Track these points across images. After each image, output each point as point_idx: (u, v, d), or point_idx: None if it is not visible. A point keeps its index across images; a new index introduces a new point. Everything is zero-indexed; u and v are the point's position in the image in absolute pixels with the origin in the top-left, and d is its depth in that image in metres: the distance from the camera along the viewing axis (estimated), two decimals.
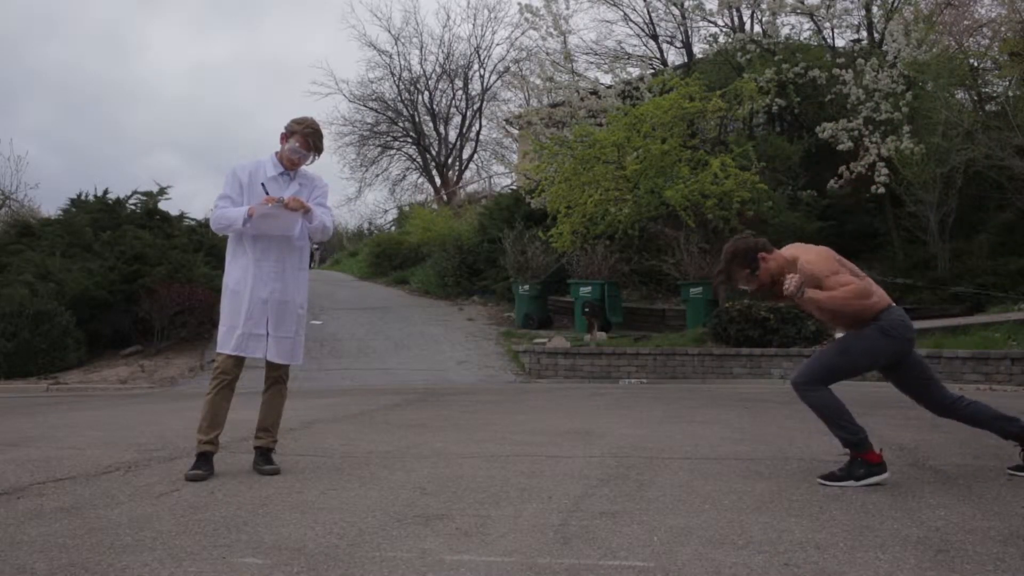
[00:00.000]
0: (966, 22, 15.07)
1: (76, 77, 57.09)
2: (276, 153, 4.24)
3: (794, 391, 3.78)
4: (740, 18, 17.57)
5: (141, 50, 59.05)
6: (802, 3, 15.19)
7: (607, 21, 31.27)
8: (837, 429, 3.73)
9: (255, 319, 4.10)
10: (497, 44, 49.91)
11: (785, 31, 16.60)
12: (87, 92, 56.10)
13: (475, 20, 54.42)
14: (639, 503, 3.36)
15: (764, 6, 15.25)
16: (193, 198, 63.46)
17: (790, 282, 3.60)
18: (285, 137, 4.18)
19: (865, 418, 6.21)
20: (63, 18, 57.00)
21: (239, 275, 4.15)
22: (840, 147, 13.94)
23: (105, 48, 59.51)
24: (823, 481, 3.69)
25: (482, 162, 34.92)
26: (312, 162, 4.26)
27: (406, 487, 3.73)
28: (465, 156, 34.86)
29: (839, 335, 3.97)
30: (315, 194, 4.29)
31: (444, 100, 33.58)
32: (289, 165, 4.21)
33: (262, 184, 4.14)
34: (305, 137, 4.14)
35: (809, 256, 3.74)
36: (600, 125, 14.42)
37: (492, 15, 50.65)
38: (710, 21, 18.26)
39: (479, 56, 33.00)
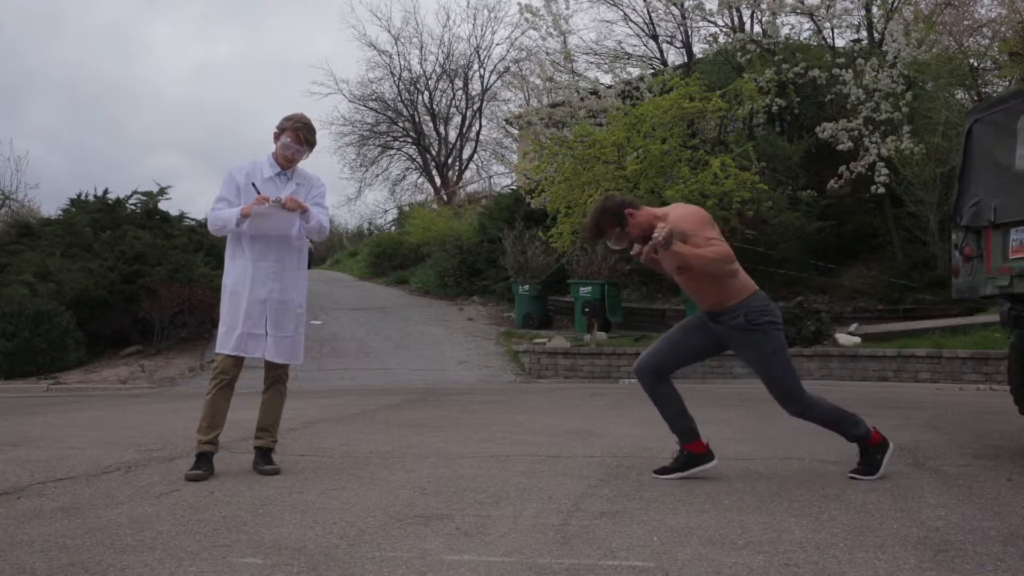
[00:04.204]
0: (966, 22, 15.07)
1: (79, 77, 57.06)
2: (272, 154, 4.25)
3: (801, 419, 3.84)
4: (740, 18, 17.56)
5: (144, 50, 59.01)
6: (802, 3, 15.18)
7: (607, 21, 31.30)
8: (849, 427, 3.81)
9: (254, 319, 4.10)
10: (497, 44, 50.00)
11: (785, 31, 16.60)
12: (90, 92, 56.06)
13: (475, 20, 54.35)
14: (639, 503, 3.36)
15: (764, 6, 15.25)
16: (195, 198, 63.34)
17: (659, 231, 3.53)
18: (277, 136, 4.20)
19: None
20: (66, 18, 56.99)
21: (238, 275, 4.16)
22: (840, 147, 13.94)
23: (108, 48, 59.46)
24: (856, 476, 3.78)
25: (482, 162, 34.95)
26: (306, 156, 4.27)
27: (406, 487, 3.73)
28: (465, 156, 34.88)
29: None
30: (313, 194, 4.30)
31: (444, 100, 33.60)
32: (284, 162, 4.21)
33: (252, 184, 4.14)
34: (296, 131, 4.15)
35: (681, 212, 3.71)
36: (600, 125, 14.40)
37: (492, 15, 50.58)
38: (710, 21, 18.25)
39: (479, 56, 33.01)
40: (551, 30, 16.39)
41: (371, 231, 33.98)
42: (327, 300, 17.66)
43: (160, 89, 56.59)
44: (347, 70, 70.19)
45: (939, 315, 12.55)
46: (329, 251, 33.09)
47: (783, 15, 15.72)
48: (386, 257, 23.79)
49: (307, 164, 4.37)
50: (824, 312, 12.13)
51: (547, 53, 18.78)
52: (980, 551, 2.63)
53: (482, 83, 33.05)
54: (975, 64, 15.24)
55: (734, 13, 17.37)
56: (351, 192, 58.98)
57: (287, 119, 4.20)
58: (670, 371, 3.90)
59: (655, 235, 3.54)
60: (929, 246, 14.03)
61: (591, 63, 21.02)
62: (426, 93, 33.23)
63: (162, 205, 15.66)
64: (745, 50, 15.22)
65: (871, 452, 3.82)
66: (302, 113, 4.25)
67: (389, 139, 33.90)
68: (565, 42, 16.61)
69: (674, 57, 20.17)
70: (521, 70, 26.77)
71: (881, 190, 13.69)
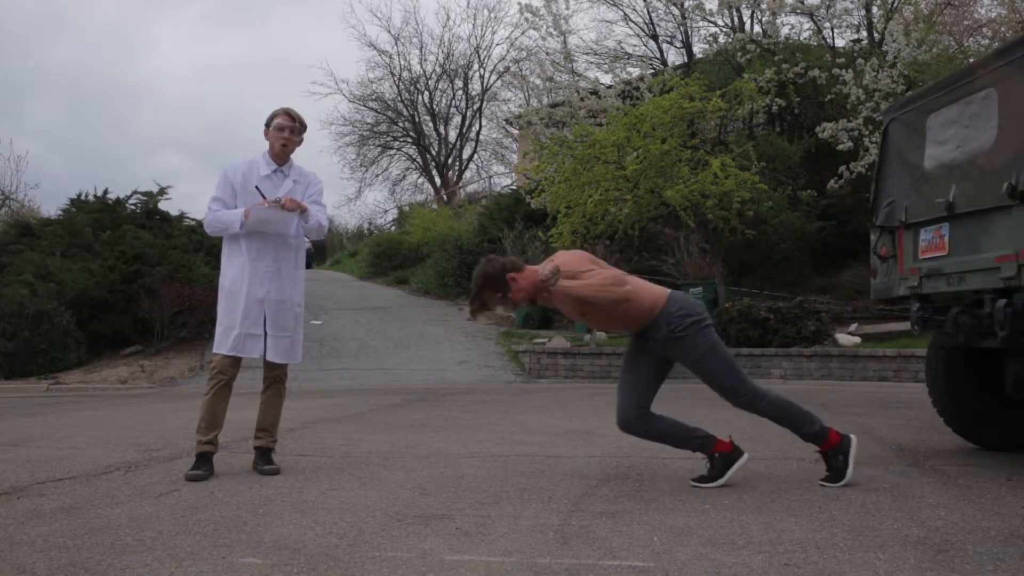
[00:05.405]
0: (966, 22, 15.08)
1: (79, 77, 57.02)
2: (267, 151, 4.25)
3: (749, 411, 3.73)
4: (740, 18, 17.57)
5: (145, 50, 59.01)
6: (802, 3, 15.18)
7: (607, 21, 31.31)
8: (801, 424, 3.70)
9: (252, 319, 4.10)
10: (497, 44, 49.92)
11: (785, 31, 16.58)
12: (90, 92, 56.03)
13: (475, 20, 54.33)
14: (639, 503, 3.36)
15: (764, 6, 15.24)
16: (195, 198, 63.32)
17: (544, 267, 3.60)
18: (267, 129, 4.22)
19: (864, 418, 6.22)
20: (68, 17, 56.97)
21: (235, 275, 4.15)
22: (840, 147, 13.94)
23: (109, 48, 59.45)
24: (826, 484, 3.68)
25: (482, 162, 34.94)
26: (299, 141, 4.26)
27: (406, 487, 3.73)
28: (465, 156, 34.88)
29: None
30: (310, 191, 4.30)
31: (444, 100, 33.59)
32: (279, 150, 4.20)
33: (256, 187, 4.14)
34: (286, 113, 4.21)
35: (564, 257, 3.71)
36: (600, 125, 14.40)
37: (492, 15, 50.55)
38: (710, 21, 18.25)
39: (479, 56, 32.99)
40: (551, 30, 16.39)
41: (371, 231, 33.99)
42: (327, 300, 17.65)
43: (161, 89, 56.65)
44: (347, 70, 70.25)
45: None
46: (330, 251, 33.07)
47: (783, 15, 15.72)
48: (386, 257, 23.79)
49: (307, 162, 4.38)
50: (824, 312, 12.13)
51: (547, 53, 18.79)
52: (980, 551, 2.63)
53: (482, 83, 33.07)
54: None
55: (734, 13, 17.37)
56: (351, 192, 58.99)
57: (273, 111, 4.25)
58: (648, 406, 3.77)
59: (540, 274, 3.60)
60: None
61: (591, 63, 21.04)
62: (426, 93, 33.25)
63: (162, 205, 15.68)
64: (745, 50, 15.21)
65: (832, 456, 3.68)
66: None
67: (389, 139, 33.91)
68: (565, 42, 16.60)
69: (674, 57, 20.19)
70: (521, 70, 26.81)
71: None
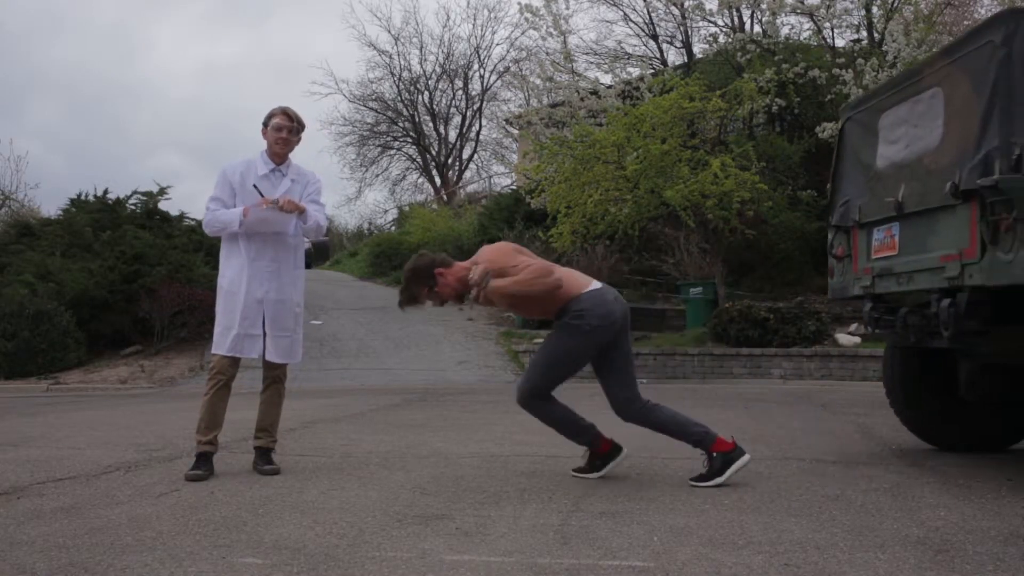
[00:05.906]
0: (966, 22, 15.07)
1: (80, 77, 56.96)
2: (264, 151, 4.25)
3: (522, 407, 3.87)
4: (740, 18, 17.56)
5: (145, 50, 58.95)
6: (802, 3, 15.17)
7: (607, 21, 31.35)
8: (573, 437, 3.94)
9: (251, 319, 4.10)
10: (497, 44, 49.94)
11: (785, 31, 16.57)
12: (91, 92, 55.95)
13: (475, 20, 54.33)
14: (639, 503, 3.36)
15: (764, 6, 15.23)
16: (195, 198, 63.26)
17: (474, 272, 3.66)
18: (265, 128, 4.22)
19: (864, 418, 6.22)
20: (68, 17, 56.94)
21: (234, 275, 4.15)
22: None
23: (109, 48, 59.39)
24: (574, 474, 3.92)
25: (482, 162, 34.96)
26: (297, 141, 4.26)
27: (406, 487, 3.73)
28: (465, 156, 34.90)
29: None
30: (308, 190, 4.30)
31: (444, 100, 33.60)
32: (278, 149, 4.20)
33: (254, 186, 4.14)
34: (284, 113, 4.20)
35: (487, 254, 3.77)
36: (600, 125, 14.39)
37: (492, 15, 50.53)
38: (710, 21, 18.24)
39: (479, 56, 32.99)
40: (551, 30, 16.37)
41: (371, 231, 33.97)
42: (327, 300, 17.65)
43: (161, 89, 56.54)
44: (347, 70, 70.22)
45: None
46: (330, 251, 33.05)
47: (783, 15, 15.69)
48: (386, 257, 23.76)
49: (306, 162, 4.38)
50: (824, 312, 12.13)
51: (547, 53, 18.78)
52: (980, 551, 2.63)
53: (482, 83, 33.08)
54: None
55: (734, 13, 17.36)
56: (351, 192, 58.96)
57: (271, 111, 4.24)
58: (630, 395, 3.89)
59: (470, 278, 3.66)
60: None
61: (591, 63, 21.04)
62: (426, 93, 33.26)
63: (162, 205, 15.66)
64: (745, 50, 15.21)
65: (595, 457, 3.94)
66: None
67: (389, 139, 33.92)
68: (565, 42, 16.57)
69: (674, 57, 20.19)
70: (521, 70, 26.79)
71: None
